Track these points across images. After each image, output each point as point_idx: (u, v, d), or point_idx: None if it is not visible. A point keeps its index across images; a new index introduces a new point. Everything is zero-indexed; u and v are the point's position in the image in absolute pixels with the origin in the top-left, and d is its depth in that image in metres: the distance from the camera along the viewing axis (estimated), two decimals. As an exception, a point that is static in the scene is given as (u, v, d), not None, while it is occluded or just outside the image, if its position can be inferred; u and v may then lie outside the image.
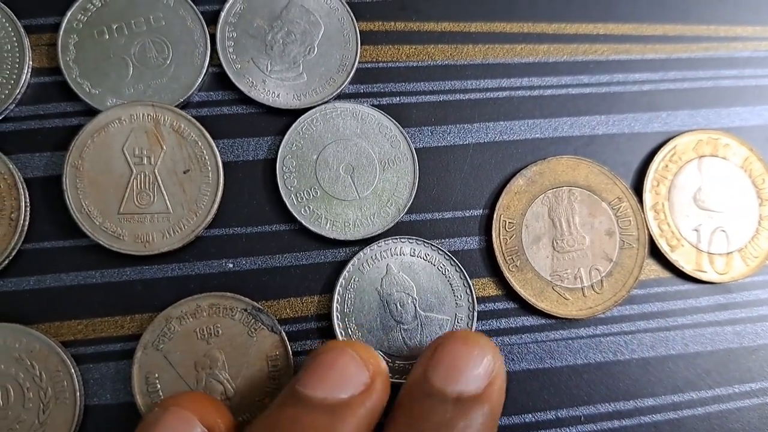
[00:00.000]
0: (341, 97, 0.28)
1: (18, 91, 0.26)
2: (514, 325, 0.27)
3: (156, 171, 0.26)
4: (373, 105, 0.28)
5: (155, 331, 0.25)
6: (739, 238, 0.28)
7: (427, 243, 0.27)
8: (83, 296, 0.26)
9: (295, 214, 0.26)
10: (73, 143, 0.26)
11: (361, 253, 0.26)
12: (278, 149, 0.27)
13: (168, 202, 0.26)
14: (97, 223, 0.25)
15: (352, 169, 0.27)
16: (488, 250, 0.27)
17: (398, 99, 0.28)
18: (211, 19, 0.28)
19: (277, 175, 0.27)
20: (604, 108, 0.29)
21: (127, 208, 0.26)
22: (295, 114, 0.27)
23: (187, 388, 0.25)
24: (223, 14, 0.28)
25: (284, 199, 0.27)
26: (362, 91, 0.28)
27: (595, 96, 0.29)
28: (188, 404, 0.22)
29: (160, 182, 0.26)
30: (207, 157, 0.26)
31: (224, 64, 0.27)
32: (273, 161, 0.27)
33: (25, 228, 0.25)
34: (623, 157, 0.29)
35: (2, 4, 0.27)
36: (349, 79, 0.28)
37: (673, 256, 0.28)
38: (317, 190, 0.27)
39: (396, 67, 0.29)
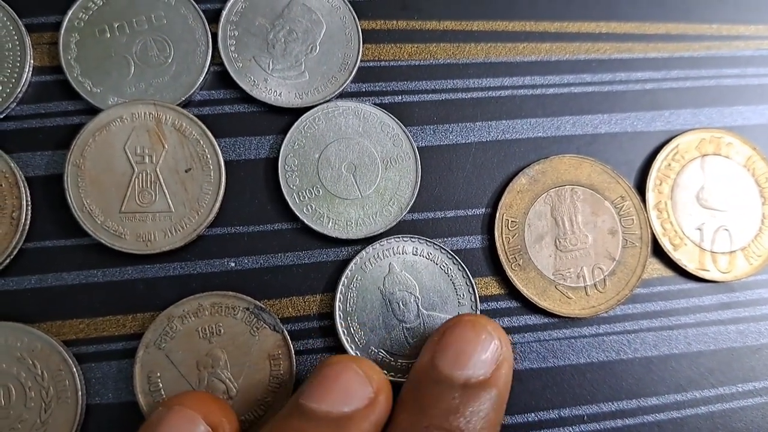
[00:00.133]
0: (343, 95, 0.28)
1: (19, 89, 0.26)
2: (516, 324, 0.27)
3: (158, 170, 0.26)
4: (375, 104, 0.28)
5: (157, 330, 0.25)
6: (742, 236, 0.28)
7: (430, 242, 0.26)
8: (85, 295, 0.26)
9: (297, 213, 0.26)
10: (74, 142, 0.26)
11: (363, 251, 0.26)
12: (280, 148, 0.27)
13: (170, 200, 0.26)
14: (99, 222, 0.25)
15: (354, 168, 0.27)
16: (491, 248, 0.27)
17: (400, 98, 0.28)
18: (213, 17, 0.28)
19: (279, 174, 0.27)
20: (607, 107, 0.29)
21: (129, 206, 0.26)
22: (297, 113, 0.27)
23: (189, 388, 0.24)
24: (224, 13, 0.28)
25: (286, 197, 0.27)
26: (364, 89, 0.28)
27: (597, 95, 0.29)
28: (192, 403, 0.22)
29: (161, 181, 0.26)
30: (209, 156, 0.26)
31: (226, 63, 0.27)
32: (275, 160, 0.27)
33: (27, 227, 0.25)
34: (626, 156, 0.29)
35: (3, 3, 0.27)
36: (351, 77, 0.28)
37: (676, 255, 0.28)
38: (319, 189, 0.27)
39: (398, 65, 0.29)
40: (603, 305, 0.27)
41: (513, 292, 0.27)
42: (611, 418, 0.27)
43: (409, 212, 0.27)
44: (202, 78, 0.27)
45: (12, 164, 0.25)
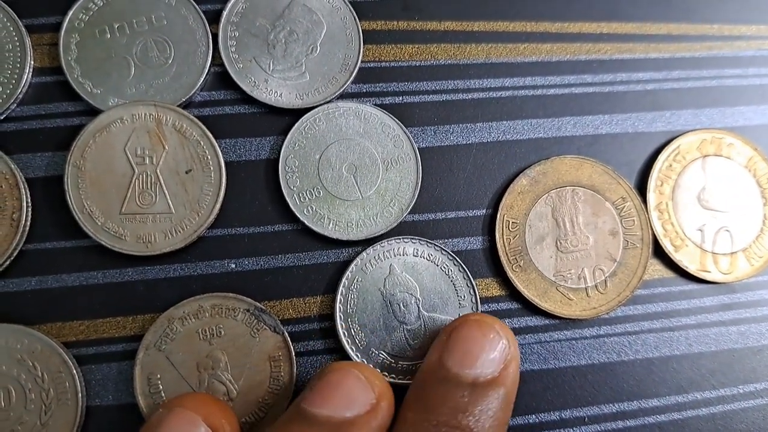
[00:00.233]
0: (344, 96, 0.28)
1: (19, 90, 0.26)
2: (517, 326, 0.27)
3: (158, 171, 0.26)
4: (375, 104, 0.28)
5: (157, 332, 0.25)
6: (744, 237, 0.28)
7: (431, 243, 0.26)
8: (85, 297, 0.25)
9: (297, 214, 0.26)
10: (74, 143, 0.26)
11: (364, 253, 0.26)
12: (281, 149, 0.27)
13: (170, 202, 0.26)
14: (99, 224, 0.25)
15: (354, 169, 0.27)
16: (491, 250, 0.27)
17: (401, 98, 0.28)
18: (213, 18, 0.28)
19: (280, 175, 0.27)
20: (608, 107, 0.29)
21: (129, 208, 0.26)
22: (297, 113, 0.27)
23: (190, 389, 0.24)
24: (225, 13, 0.28)
25: (287, 199, 0.26)
26: (365, 90, 0.28)
27: (598, 95, 0.29)
28: (193, 405, 0.22)
29: (162, 182, 0.26)
30: (209, 157, 0.26)
31: (226, 64, 0.27)
32: (275, 161, 0.27)
33: (27, 228, 0.25)
34: (627, 157, 0.29)
35: (4, 4, 0.27)
36: (351, 78, 0.28)
37: (677, 256, 0.28)
38: (320, 190, 0.27)
39: (399, 66, 0.29)
40: (604, 306, 0.27)
41: (514, 294, 0.27)
42: (612, 420, 0.26)
43: (409, 213, 0.27)
44: (202, 79, 0.27)
45: (12, 165, 0.25)
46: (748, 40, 0.31)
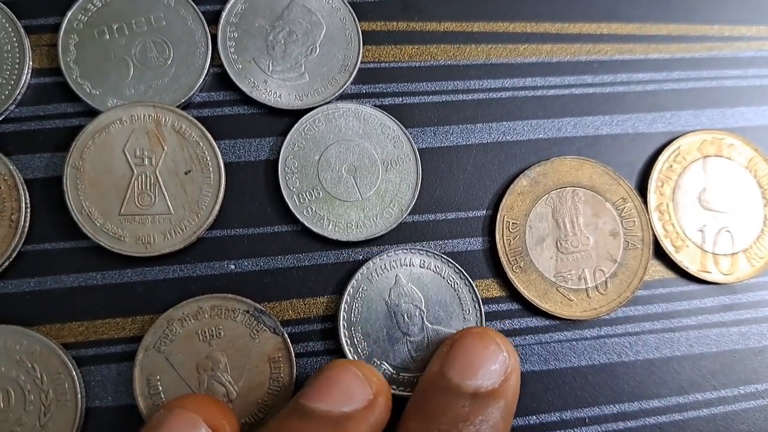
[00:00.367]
0: (343, 97, 0.28)
1: (18, 91, 0.26)
2: (518, 327, 0.27)
3: (157, 172, 0.26)
4: (375, 105, 0.28)
5: (157, 333, 0.25)
6: (744, 238, 0.28)
7: (438, 255, 0.26)
8: (84, 298, 0.25)
9: (297, 215, 0.26)
10: (73, 144, 0.26)
11: (370, 261, 0.26)
12: (280, 150, 0.27)
13: (169, 203, 0.26)
14: (98, 225, 0.25)
15: (354, 170, 0.27)
16: (492, 251, 0.27)
17: (401, 99, 0.28)
18: (213, 19, 0.28)
19: (279, 176, 0.27)
20: (608, 108, 0.29)
21: (128, 209, 0.25)
22: (296, 114, 0.27)
23: (189, 391, 0.24)
24: (224, 14, 0.28)
25: (286, 200, 0.26)
26: (364, 91, 0.28)
27: (598, 96, 0.29)
28: (193, 406, 0.22)
29: (161, 183, 0.26)
30: (208, 158, 0.26)
31: (225, 65, 0.27)
32: (275, 162, 0.27)
33: (26, 229, 0.25)
34: (627, 158, 0.29)
35: (2, 5, 0.27)
36: (351, 79, 0.28)
37: (678, 257, 0.28)
38: (319, 191, 0.27)
39: (398, 67, 0.29)
40: (604, 307, 0.27)
41: (514, 295, 0.27)
42: (613, 421, 0.26)
43: (409, 214, 0.27)
44: (201, 80, 0.27)
45: (11, 166, 0.25)
46: (748, 40, 0.31)
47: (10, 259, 0.25)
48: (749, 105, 0.30)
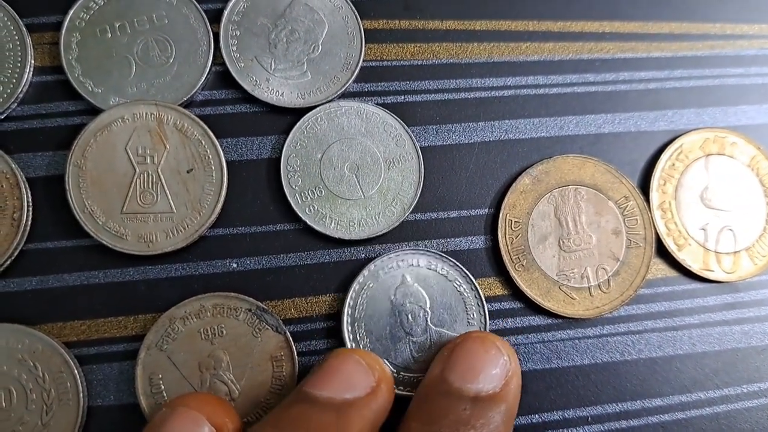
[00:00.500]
0: (345, 95, 0.28)
1: (20, 90, 0.26)
2: (520, 325, 0.27)
3: (159, 170, 0.26)
4: (377, 104, 0.28)
5: (159, 332, 0.25)
6: (747, 236, 0.28)
7: (446, 258, 0.26)
8: (86, 296, 0.25)
9: (299, 214, 0.26)
10: (75, 142, 0.26)
11: (378, 259, 0.26)
12: (282, 148, 0.27)
13: (171, 201, 0.26)
14: (100, 223, 0.25)
15: (356, 168, 0.27)
16: (494, 249, 0.27)
17: (403, 98, 0.28)
18: (215, 17, 0.28)
19: (282, 175, 0.27)
20: (610, 106, 0.29)
21: (130, 207, 0.25)
22: (299, 113, 0.27)
23: (192, 389, 0.24)
24: (226, 12, 0.28)
25: (288, 198, 0.26)
26: (367, 89, 0.28)
27: (600, 94, 0.29)
28: (196, 404, 0.22)
29: (163, 181, 0.26)
30: (210, 156, 0.26)
31: (227, 63, 0.27)
32: (277, 160, 0.27)
33: (28, 228, 0.25)
34: (629, 156, 0.29)
35: (4, 3, 0.27)
36: (353, 77, 0.28)
37: (680, 255, 0.28)
38: (322, 190, 0.27)
39: (400, 65, 0.29)
40: (607, 306, 0.27)
41: (516, 293, 0.27)
42: (615, 420, 0.26)
43: (411, 212, 0.27)
44: (203, 78, 0.27)
45: (13, 165, 0.25)
46: (750, 39, 0.31)
47: (12, 258, 0.25)
48: (751, 103, 0.30)
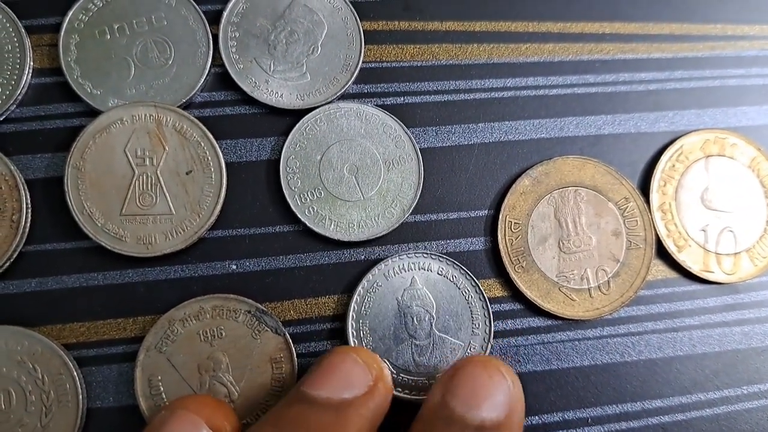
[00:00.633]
0: (345, 97, 0.28)
1: (19, 91, 0.26)
2: (520, 327, 0.27)
3: (158, 172, 0.26)
4: (377, 105, 0.28)
5: (158, 334, 0.25)
6: (747, 238, 0.28)
7: (457, 265, 0.26)
8: (85, 298, 0.25)
9: (298, 215, 0.26)
10: (74, 144, 0.25)
11: (389, 259, 0.26)
12: (282, 150, 0.27)
13: (170, 203, 0.26)
14: (99, 225, 0.25)
15: (356, 170, 0.27)
16: (494, 250, 0.27)
17: (402, 99, 0.28)
18: (214, 18, 0.28)
19: (281, 176, 0.27)
20: (610, 107, 0.29)
21: (129, 209, 0.25)
22: (298, 114, 0.27)
23: (191, 391, 0.24)
24: (225, 14, 0.28)
25: (288, 199, 0.26)
26: (366, 91, 0.28)
27: (600, 95, 0.29)
28: (195, 407, 0.22)
29: (162, 183, 0.26)
30: (210, 158, 0.26)
31: (227, 64, 0.27)
32: (276, 162, 0.27)
33: (27, 230, 0.25)
34: (630, 157, 0.29)
35: (3, 5, 0.27)
36: (352, 79, 0.28)
37: (681, 257, 0.28)
38: (321, 191, 0.27)
39: (400, 66, 0.29)
40: (607, 307, 0.27)
41: (516, 295, 0.27)
42: (615, 421, 0.26)
43: (411, 214, 0.27)
44: (202, 79, 0.27)
45: (12, 167, 0.25)
46: (751, 40, 0.31)
47: (11, 260, 0.25)
48: (752, 104, 0.30)
